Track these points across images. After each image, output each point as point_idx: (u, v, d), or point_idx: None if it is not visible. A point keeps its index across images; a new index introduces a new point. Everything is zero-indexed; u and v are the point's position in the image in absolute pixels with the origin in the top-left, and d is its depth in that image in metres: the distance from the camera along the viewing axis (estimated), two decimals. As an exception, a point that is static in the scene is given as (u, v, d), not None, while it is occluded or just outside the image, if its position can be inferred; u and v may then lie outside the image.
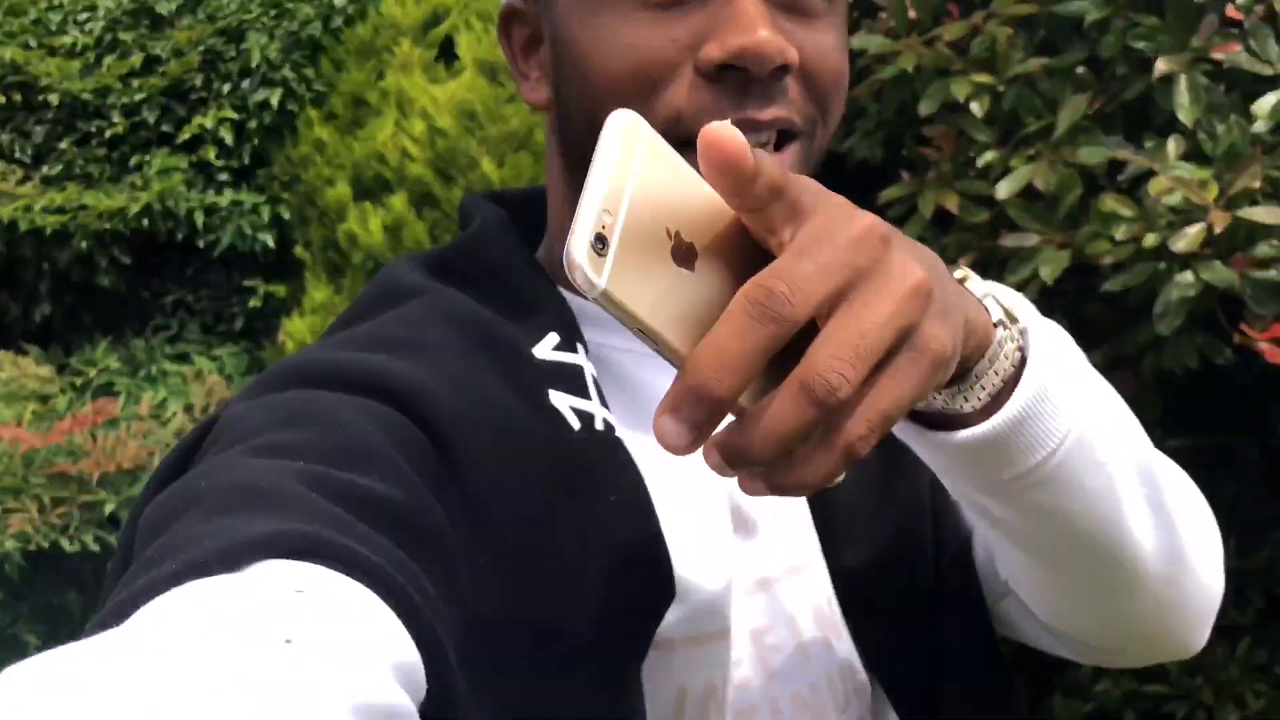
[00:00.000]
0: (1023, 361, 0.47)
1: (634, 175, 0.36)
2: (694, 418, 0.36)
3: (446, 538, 0.44)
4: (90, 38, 3.12)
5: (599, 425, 0.53)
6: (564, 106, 0.57)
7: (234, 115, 3.09)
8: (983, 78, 2.32)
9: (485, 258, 0.58)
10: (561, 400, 0.52)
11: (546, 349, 0.55)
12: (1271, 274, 1.87)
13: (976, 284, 0.47)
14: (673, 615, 0.51)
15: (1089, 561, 0.53)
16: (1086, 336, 2.61)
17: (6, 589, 2.57)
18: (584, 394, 0.53)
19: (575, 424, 0.52)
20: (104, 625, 0.33)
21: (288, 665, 0.30)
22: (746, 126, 0.50)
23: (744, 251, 0.38)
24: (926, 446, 0.48)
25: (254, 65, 3.07)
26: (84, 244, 2.91)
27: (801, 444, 0.36)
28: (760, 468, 0.37)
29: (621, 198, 0.35)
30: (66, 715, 0.27)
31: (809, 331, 0.36)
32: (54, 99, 3.03)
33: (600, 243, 0.34)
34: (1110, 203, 2.05)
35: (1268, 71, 1.94)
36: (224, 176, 3.13)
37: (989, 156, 2.34)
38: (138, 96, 3.07)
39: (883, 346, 0.36)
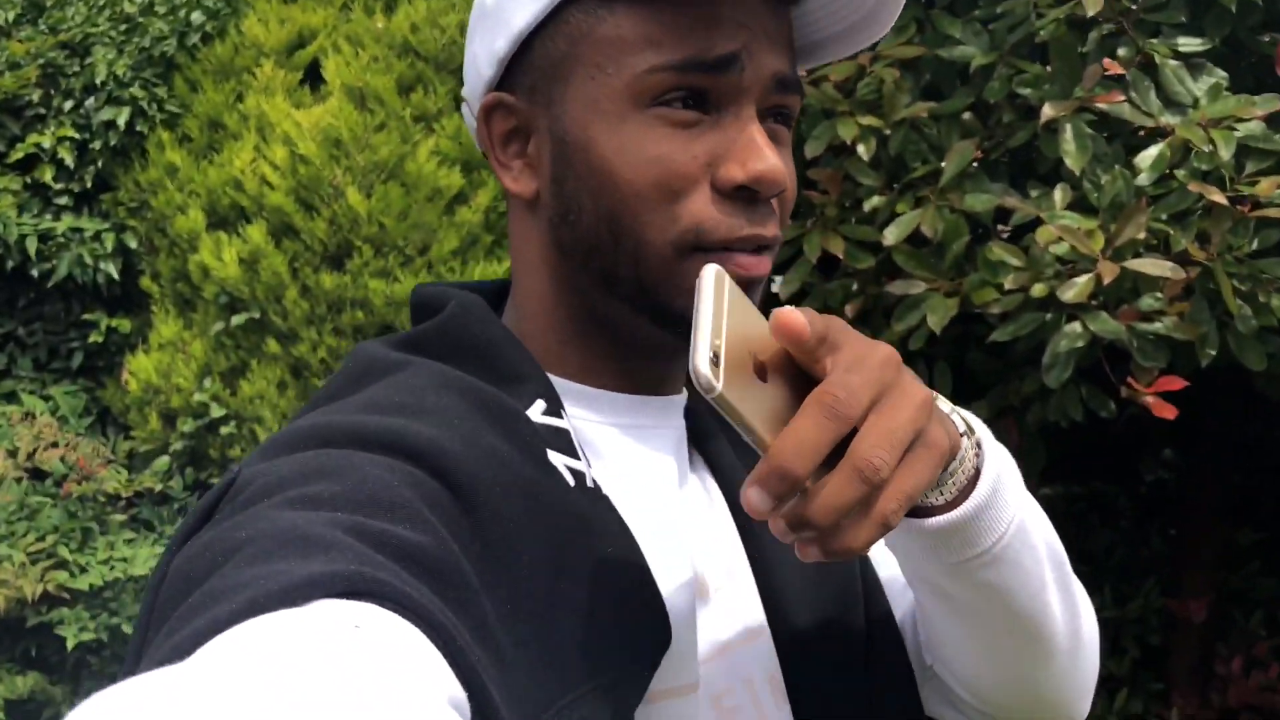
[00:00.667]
0: (979, 462, 0.57)
1: (726, 312, 0.47)
2: (776, 490, 0.45)
3: (473, 586, 0.46)
4: (-86, 45, 2.84)
5: (589, 483, 0.57)
6: (570, 201, 0.60)
7: (75, 135, 2.84)
8: (869, 120, 2.27)
9: (465, 335, 0.61)
10: (557, 459, 0.56)
11: (537, 413, 0.59)
12: (1157, 326, 1.83)
13: (943, 402, 0.56)
14: None
15: (1018, 633, 0.63)
16: (971, 386, 2.56)
17: None
18: (574, 454, 0.58)
19: (570, 480, 0.56)
20: (166, 662, 0.34)
21: (357, 696, 0.32)
22: (755, 242, 0.59)
23: (796, 370, 0.50)
24: (903, 532, 0.56)
25: (99, 82, 2.83)
26: (-103, 270, 2.61)
27: (848, 516, 0.46)
28: (815, 534, 0.47)
29: (722, 328, 0.47)
30: None
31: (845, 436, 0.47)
32: None
33: (714, 358, 0.45)
34: (998, 251, 2.00)
35: (1149, 123, 1.92)
36: (63, 200, 2.87)
37: (875, 201, 2.28)
38: (-34, 111, 2.79)
39: (907, 440, 0.48)
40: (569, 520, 0.54)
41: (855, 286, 2.39)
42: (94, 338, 2.87)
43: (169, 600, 0.42)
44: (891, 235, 2.15)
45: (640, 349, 0.63)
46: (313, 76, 2.80)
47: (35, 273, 2.83)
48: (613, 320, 0.62)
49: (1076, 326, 1.90)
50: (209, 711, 0.30)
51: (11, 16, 2.93)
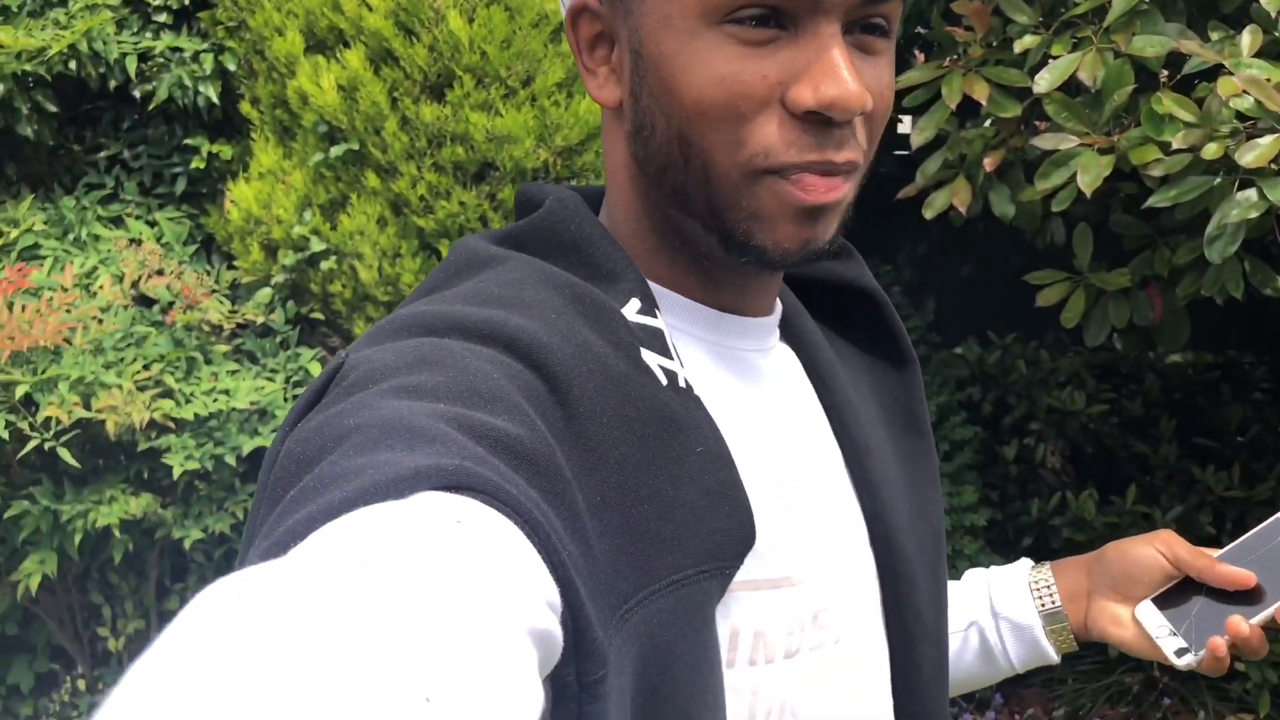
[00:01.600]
0: None
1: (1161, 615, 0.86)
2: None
3: (567, 478, 0.48)
4: None
5: (681, 383, 0.58)
6: (644, 117, 0.60)
7: (173, -53, 2.72)
8: (1029, -54, 1.99)
9: (563, 232, 0.62)
10: (651, 358, 0.57)
11: (632, 312, 0.59)
12: (1351, 200, 1.60)
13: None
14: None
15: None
16: (1112, 252, 2.33)
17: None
18: (667, 354, 0.58)
19: (663, 379, 0.57)
20: (282, 545, 0.37)
21: (462, 587, 0.35)
22: (826, 167, 0.57)
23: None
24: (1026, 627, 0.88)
25: (195, -112, 2.68)
26: (1, 86, 2.57)
27: None
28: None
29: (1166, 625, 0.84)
30: (279, 631, 0.30)
31: None
32: (-36, -83, 2.65)
33: (1180, 651, 0.81)
34: (1167, 102, 1.76)
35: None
36: (161, 18, 2.78)
37: (1028, 41, 2.03)
38: (63, -81, 2.69)
39: None
40: (660, 417, 0.55)
41: (996, 136, 2.18)
42: (196, 163, 2.83)
43: (281, 480, 0.43)
44: (1044, 81, 1.92)
45: (718, 266, 0.64)
46: (414, -114, 2.60)
47: (137, 94, 2.77)
48: (689, 237, 0.63)
49: (1251, 194, 1.68)
50: (315, 609, 0.31)
51: None
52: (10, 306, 2.43)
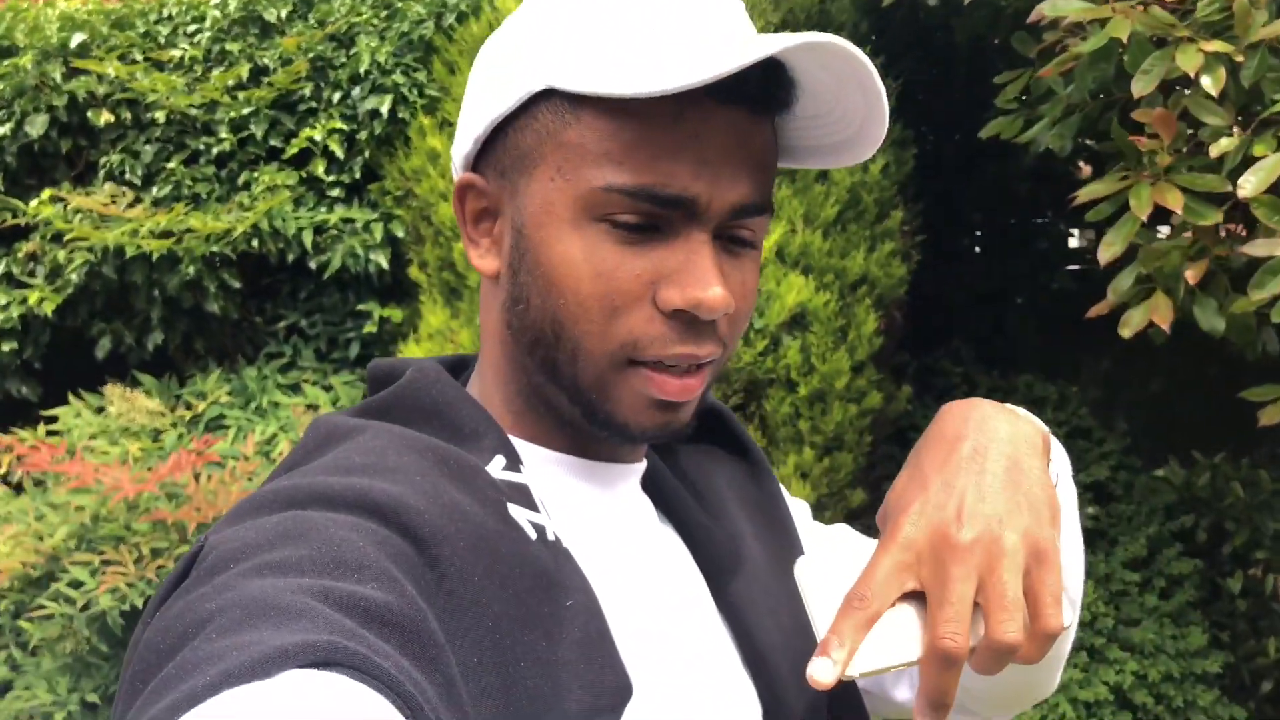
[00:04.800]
0: None
1: (824, 600, 0.60)
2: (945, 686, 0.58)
3: (439, 643, 0.48)
4: (199, 49, 2.96)
5: (550, 536, 0.59)
6: (521, 290, 0.63)
7: (343, 126, 2.87)
8: (1216, 45, 1.87)
9: (423, 397, 0.64)
10: (518, 513, 0.59)
11: (497, 468, 0.61)
12: None
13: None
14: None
15: (1046, 678, 0.77)
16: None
17: (109, 644, 2.40)
18: (534, 508, 0.60)
19: (532, 534, 0.58)
20: None
21: None
22: (690, 360, 0.62)
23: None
24: None
25: (364, 71, 2.85)
26: (191, 268, 2.73)
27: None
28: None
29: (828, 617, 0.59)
30: None
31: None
32: (160, 116, 2.87)
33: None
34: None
35: None
36: (334, 192, 2.93)
37: (1224, 144, 1.89)
38: (245, 110, 2.88)
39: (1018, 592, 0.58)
40: (531, 573, 0.56)
41: (1194, 245, 2.02)
42: (368, 328, 2.92)
43: (140, 673, 0.43)
44: (1249, 184, 1.77)
45: (582, 431, 0.65)
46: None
47: (313, 265, 2.90)
48: (555, 404, 0.65)
49: None
50: None
51: (284, 13, 2.99)
52: (197, 477, 2.51)
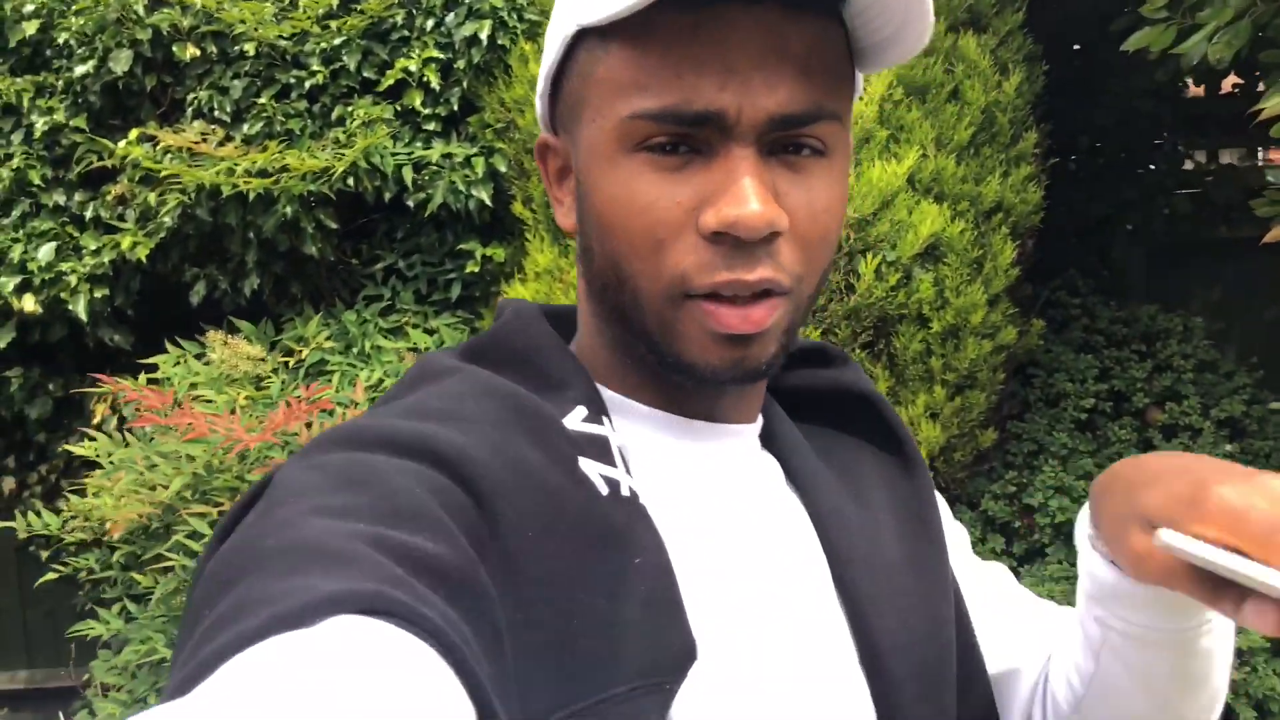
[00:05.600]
0: None
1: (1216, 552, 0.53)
2: None
3: (489, 595, 0.48)
4: (286, -23, 2.81)
5: (624, 492, 0.58)
6: (587, 240, 0.62)
7: (439, 55, 2.72)
8: None
9: (516, 342, 0.64)
10: (591, 467, 0.57)
11: (576, 420, 0.60)
12: None
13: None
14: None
15: (1202, 691, 0.69)
16: None
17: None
18: (611, 462, 0.59)
19: (604, 489, 0.57)
20: (193, 680, 0.37)
21: (375, 715, 0.35)
22: (735, 286, 0.58)
23: None
24: (1116, 585, 0.64)
25: (460, -5, 2.68)
26: (289, 208, 2.62)
27: None
28: None
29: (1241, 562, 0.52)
30: None
31: None
32: (250, 48, 2.73)
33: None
34: None
35: None
36: (431, 126, 2.79)
37: None
38: (336, 40, 2.74)
39: None
40: (595, 529, 0.55)
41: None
42: (470, 267, 2.80)
43: (204, 599, 0.44)
44: None
45: (673, 384, 0.64)
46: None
47: (410, 203, 2.78)
48: (636, 353, 0.63)
49: None
50: None
51: (370, -63, 2.83)
52: (309, 426, 2.42)
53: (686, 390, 0.65)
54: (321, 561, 0.42)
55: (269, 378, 2.71)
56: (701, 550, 0.61)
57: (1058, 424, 2.91)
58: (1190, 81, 3.89)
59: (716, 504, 0.64)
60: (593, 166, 0.59)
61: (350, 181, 2.71)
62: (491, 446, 0.54)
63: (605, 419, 0.61)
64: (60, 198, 2.96)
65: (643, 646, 0.53)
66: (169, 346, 2.85)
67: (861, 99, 2.42)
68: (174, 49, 2.83)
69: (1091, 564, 0.66)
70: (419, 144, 2.80)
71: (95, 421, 3.05)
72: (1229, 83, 3.96)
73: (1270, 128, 1.96)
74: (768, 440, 0.71)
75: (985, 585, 0.79)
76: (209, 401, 2.61)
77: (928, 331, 2.46)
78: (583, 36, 0.59)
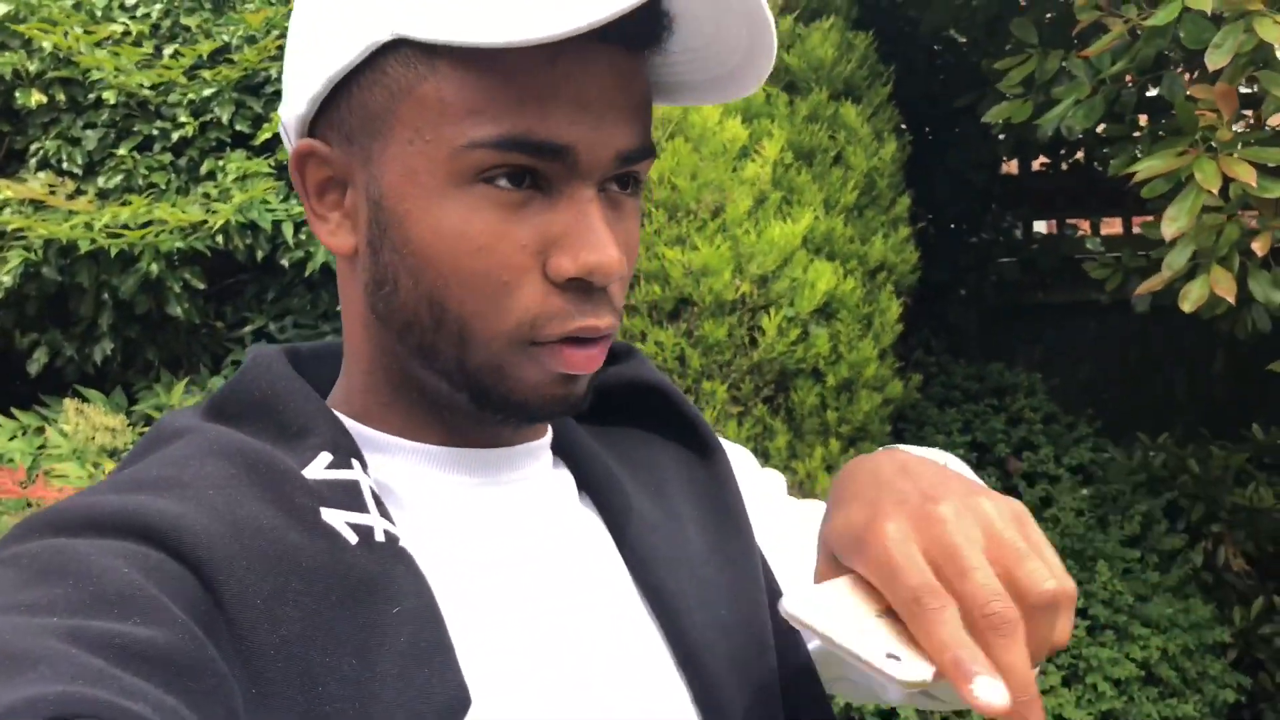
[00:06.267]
0: None
1: (851, 620, 0.49)
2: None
3: (218, 673, 0.45)
4: (145, 25, 2.64)
5: (379, 537, 0.54)
6: (386, 271, 0.57)
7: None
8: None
9: (254, 391, 0.59)
10: (336, 516, 0.54)
11: (319, 468, 0.56)
12: None
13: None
14: None
15: None
16: None
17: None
18: (361, 508, 0.55)
19: (352, 538, 0.53)
20: None
21: None
22: (588, 332, 0.56)
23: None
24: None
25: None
26: (155, 266, 2.42)
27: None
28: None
29: (867, 632, 0.48)
30: None
31: None
32: (110, 96, 2.54)
33: (892, 656, 0.47)
34: None
35: None
36: (312, 182, 2.65)
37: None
38: (206, 92, 2.59)
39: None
40: (339, 583, 0.51)
41: (1258, 221, 2.05)
42: (352, 329, 2.66)
43: None
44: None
45: (462, 416, 0.61)
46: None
47: (286, 262, 2.63)
48: (430, 390, 0.60)
49: None
50: None
51: (240, -13, 2.72)
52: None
53: (465, 427, 0.62)
54: (2, 668, 0.38)
55: (127, 450, 2.47)
56: (482, 586, 0.58)
57: (933, 475, 3.02)
58: (1004, 158, 4.23)
59: (501, 534, 0.61)
60: (409, 194, 0.55)
61: (220, 239, 2.54)
62: (212, 512, 0.50)
63: (356, 462, 0.57)
64: None
65: (401, 701, 0.49)
66: (2, 420, 2.56)
67: (755, 160, 2.49)
68: (16, 95, 2.60)
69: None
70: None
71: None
72: (1039, 162, 4.34)
73: (1127, 191, 2.14)
74: (559, 450, 0.69)
75: (811, 526, 0.76)
76: (61, 476, 2.35)
77: (823, 385, 2.52)
78: (397, 44, 0.54)
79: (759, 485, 0.78)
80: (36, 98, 2.59)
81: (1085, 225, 4.19)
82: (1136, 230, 4.12)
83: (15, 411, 2.59)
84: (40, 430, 2.57)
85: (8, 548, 0.48)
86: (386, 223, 0.56)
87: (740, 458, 0.79)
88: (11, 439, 2.54)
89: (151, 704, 0.39)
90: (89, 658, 0.40)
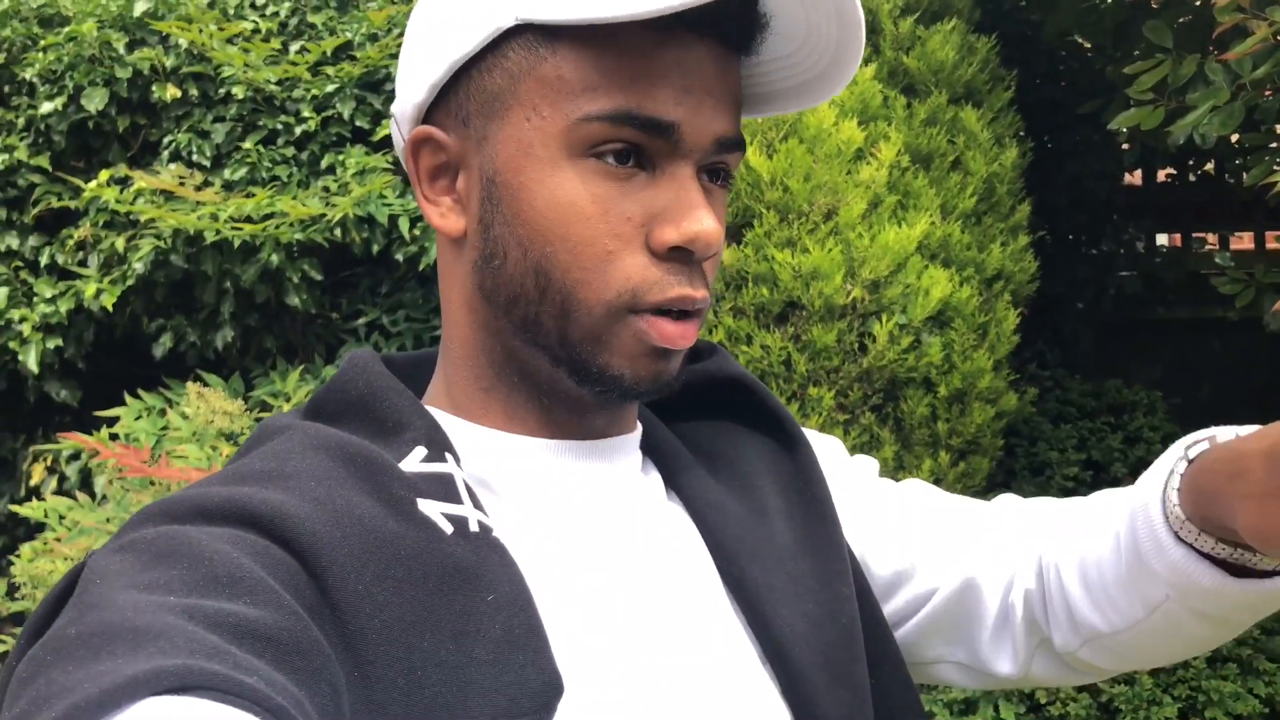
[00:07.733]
0: None
1: None
2: None
3: (322, 653, 0.46)
4: (273, 22, 2.72)
5: (473, 528, 0.55)
6: (496, 245, 0.60)
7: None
8: None
9: (351, 391, 0.62)
10: (431, 507, 0.55)
11: (414, 462, 0.58)
12: None
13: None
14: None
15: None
16: None
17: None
18: (456, 500, 0.56)
19: (447, 528, 0.55)
20: None
21: None
22: (684, 303, 0.59)
23: None
24: (1218, 589, 0.59)
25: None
26: (275, 257, 2.49)
27: None
28: None
29: None
30: None
31: None
32: (239, 91, 2.62)
33: None
34: None
35: None
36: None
37: None
38: (329, 88, 2.65)
39: None
40: (436, 571, 0.53)
41: None
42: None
43: (7, 704, 0.42)
44: None
45: (560, 399, 0.63)
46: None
47: (400, 257, 2.68)
48: (532, 369, 0.62)
49: None
50: None
51: (365, -14, 2.78)
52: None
53: (560, 416, 0.63)
54: (127, 641, 0.41)
55: (244, 434, 2.55)
56: (574, 576, 0.60)
57: (1045, 492, 2.93)
58: (1127, 168, 4.08)
59: (592, 525, 0.63)
60: (525, 168, 0.57)
61: (338, 232, 2.60)
62: (314, 502, 0.52)
63: (450, 456, 0.59)
64: (14, 241, 2.77)
65: (497, 687, 0.51)
66: (129, 400, 2.66)
67: (871, 163, 2.45)
68: (153, 89, 2.70)
69: (1174, 559, 0.60)
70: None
71: (34, 483, 2.82)
72: (1164, 173, 4.17)
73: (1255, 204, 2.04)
74: (645, 447, 0.70)
75: (910, 506, 0.77)
76: (180, 457, 2.43)
77: (934, 396, 2.46)
78: (519, 30, 0.57)
79: (850, 473, 0.79)
80: (172, 92, 2.69)
81: (1212, 239, 4.01)
82: (1271, 245, 3.93)
83: (141, 393, 2.70)
84: (163, 412, 2.67)
85: (126, 535, 0.51)
86: (500, 197, 0.59)
87: (829, 448, 0.79)
88: (137, 418, 2.65)
89: (264, 678, 0.41)
90: (205, 634, 0.42)
